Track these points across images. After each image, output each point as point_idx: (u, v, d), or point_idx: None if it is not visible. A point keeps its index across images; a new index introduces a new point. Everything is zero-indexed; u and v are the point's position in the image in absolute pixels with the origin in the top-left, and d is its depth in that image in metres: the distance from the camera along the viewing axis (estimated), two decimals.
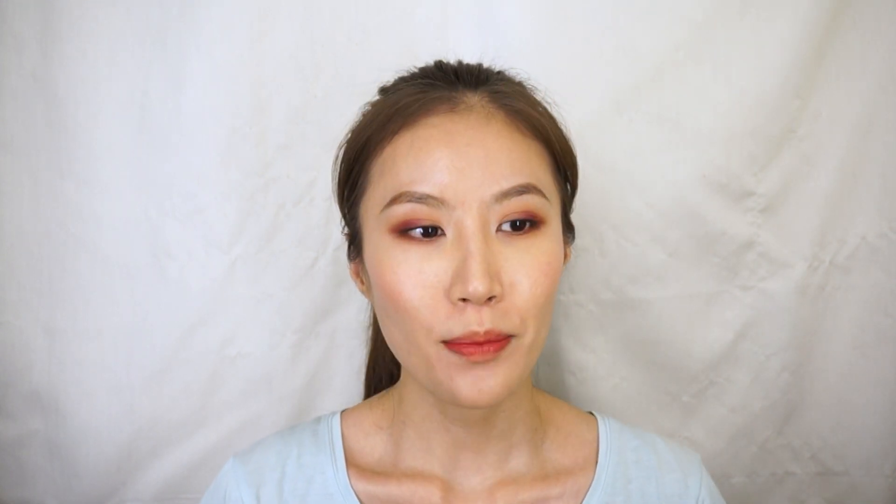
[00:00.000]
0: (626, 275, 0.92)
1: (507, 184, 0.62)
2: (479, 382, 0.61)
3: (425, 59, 0.74)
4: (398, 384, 0.75)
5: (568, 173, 0.71)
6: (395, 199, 0.63)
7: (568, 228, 0.73)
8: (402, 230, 0.63)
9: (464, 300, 0.61)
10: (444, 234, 0.63)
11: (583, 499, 0.72)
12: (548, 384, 0.95)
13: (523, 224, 0.63)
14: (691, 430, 0.95)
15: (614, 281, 0.92)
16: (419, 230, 0.63)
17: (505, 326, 0.61)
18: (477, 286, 0.59)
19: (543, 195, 0.64)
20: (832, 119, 0.90)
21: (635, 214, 0.90)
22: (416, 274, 0.62)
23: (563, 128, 0.72)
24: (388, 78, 0.73)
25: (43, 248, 0.90)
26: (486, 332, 0.60)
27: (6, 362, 0.91)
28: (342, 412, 0.78)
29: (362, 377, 0.90)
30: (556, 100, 0.74)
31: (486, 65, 0.73)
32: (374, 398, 0.79)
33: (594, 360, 0.94)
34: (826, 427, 0.95)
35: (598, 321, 0.93)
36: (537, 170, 0.65)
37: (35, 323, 0.91)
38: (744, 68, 0.88)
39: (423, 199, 0.62)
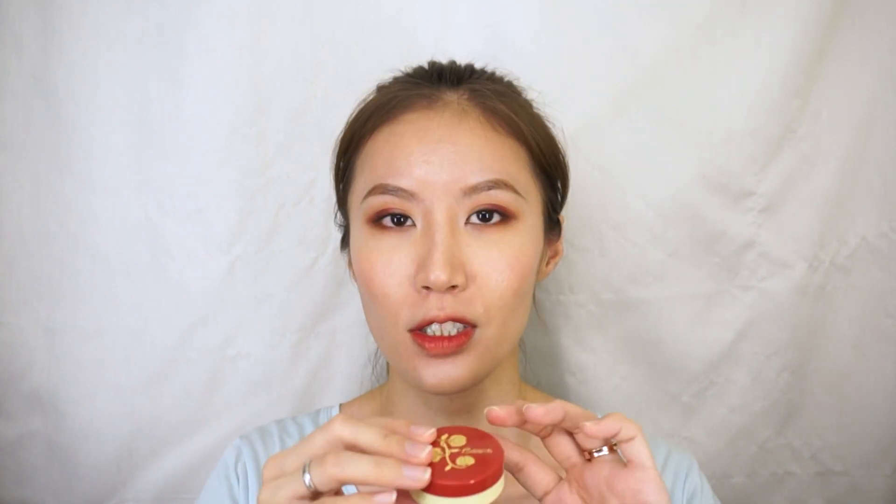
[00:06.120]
0: (626, 275, 0.92)
1: (474, 179, 0.64)
2: (438, 374, 0.63)
3: (425, 59, 0.74)
4: (389, 376, 0.76)
5: (552, 174, 0.71)
6: (372, 191, 0.65)
7: (553, 227, 0.73)
8: (376, 219, 0.65)
9: (427, 288, 0.62)
10: (414, 224, 0.64)
11: None
12: (548, 384, 0.95)
13: (491, 215, 0.64)
14: (691, 430, 0.95)
15: (614, 281, 0.92)
16: (389, 218, 0.65)
17: (468, 313, 0.62)
18: (438, 274, 0.60)
19: (516, 191, 0.65)
20: (832, 119, 0.90)
21: (635, 214, 0.90)
22: (386, 263, 0.64)
23: (550, 129, 0.72)
24: (388, 78, 0.74)
25: (43, 248, 0.90)
26: (447, 316, 0.62)
27: (6, 362, 0.91)
28: (341, 405, 0.79)
29: (362, 376, 0.90)
30: (556, 100, 0.75)
31: (478, 65, 0.73)
32: (372, 390, 0.80)
33: (594, 360, 0.94)
34: (826, 427, 0.95)
35: (598, 321, 0.93)
36: (510, 167, 0.66)
37: (35, 323, 0.91)
38: (744, 68, 0.88)
39: (395, 191, 0.64)
